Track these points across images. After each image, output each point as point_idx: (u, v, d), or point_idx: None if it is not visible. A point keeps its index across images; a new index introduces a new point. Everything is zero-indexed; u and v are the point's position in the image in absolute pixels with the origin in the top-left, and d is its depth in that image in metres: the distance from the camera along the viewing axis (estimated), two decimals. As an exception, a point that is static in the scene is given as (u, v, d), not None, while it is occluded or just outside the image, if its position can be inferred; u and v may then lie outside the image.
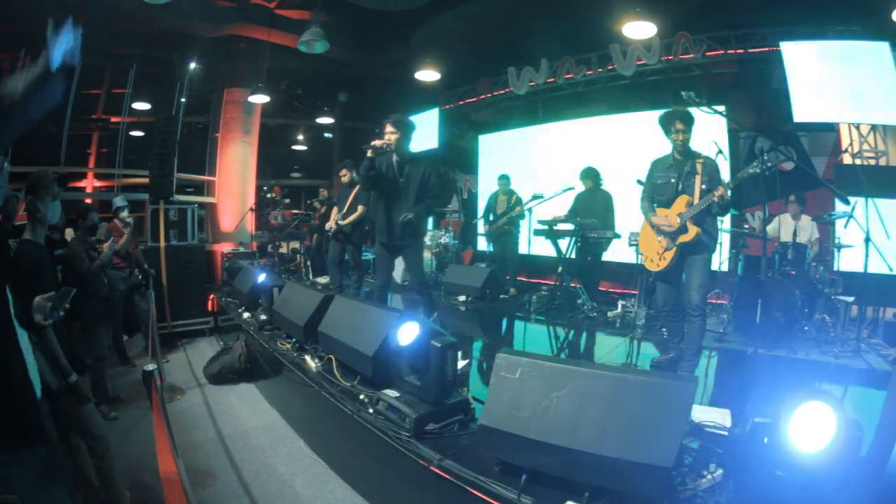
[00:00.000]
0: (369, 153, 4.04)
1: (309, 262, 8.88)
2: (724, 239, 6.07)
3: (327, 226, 6.41)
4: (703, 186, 3.56)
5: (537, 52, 8.80)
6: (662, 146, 3.91)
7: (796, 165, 5.84)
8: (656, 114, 3.86)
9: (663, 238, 3.69)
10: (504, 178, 7.64)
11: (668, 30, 7.44)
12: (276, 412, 4.33)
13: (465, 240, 10.64)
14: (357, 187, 6.19)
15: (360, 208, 6.14)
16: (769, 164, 3.22)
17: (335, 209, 6.45)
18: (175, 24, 9.14)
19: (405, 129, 4.24)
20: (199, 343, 6.63)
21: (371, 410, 2.83)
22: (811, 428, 1.76)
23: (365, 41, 10.49)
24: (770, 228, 5.79)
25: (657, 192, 3.81)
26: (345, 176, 6.45)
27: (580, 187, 6.66)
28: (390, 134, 4.15)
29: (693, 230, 3.55)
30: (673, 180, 3.69)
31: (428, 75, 9.64)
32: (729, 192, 3.40)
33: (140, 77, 10.48)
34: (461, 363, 2.93)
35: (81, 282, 3.97)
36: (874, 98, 5.97)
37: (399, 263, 5.75)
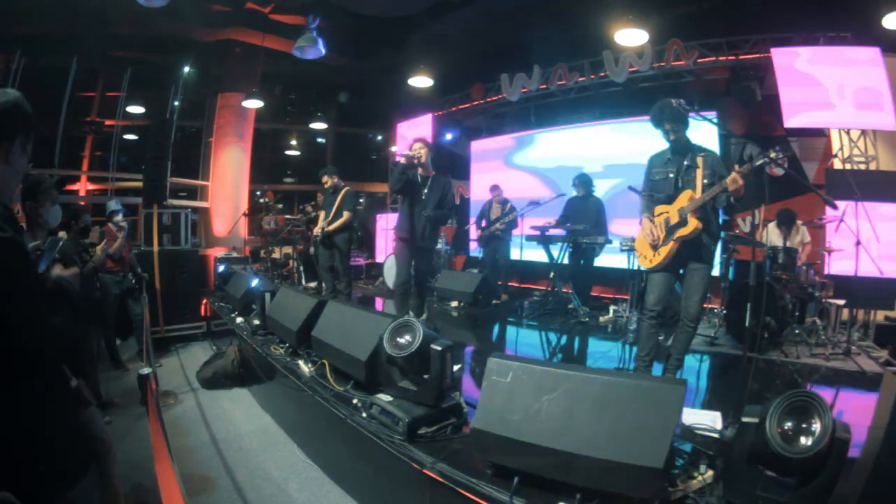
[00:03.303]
0: (403, 160, 4.54)
1: (301, 268, 8.89)
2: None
3: (315, 231, 6.45)
4: (706, 181, 3.31)
5: (530, 59, 8.83)
6: (655, 151, 3.74)
7: (786, 172, 5.90)
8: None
9: (660, 231, 3.48)
10: (496, 189, 7.73)
11: (660, 37, 7.50)
12: (269, 417, 4.32)
13: (458, 246, 10.64)
14: (342, 193, 6.30)
15: (345, 214, 6.18)
16: (780, 156, 3.00)
17: (322, 215, 6.49)
18: (170, 28, 9.15)
19: (431, 148, 4.81)
20: (192, 348, 6.60)
21: (364, 414, 2.84)
22: (797, 427, 1.78)
23: (359, 47, 10.51)
24: (760, 233, 5.85)
25: (655, 188, 3.57)
26: (327, 182, 6.50)
27: (572, 194, 6.69)
28: (420, 149, 4.66)
29: (693, 223, 3.29)
30: (671, 175, 3.47)
31: (421, 81, 9.69)
32: (741, 179, 3.04)
33: (134, 80, 10.49)
34: (454, 367, 2.94)
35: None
36: (864, 103, 6.04)
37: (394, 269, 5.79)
